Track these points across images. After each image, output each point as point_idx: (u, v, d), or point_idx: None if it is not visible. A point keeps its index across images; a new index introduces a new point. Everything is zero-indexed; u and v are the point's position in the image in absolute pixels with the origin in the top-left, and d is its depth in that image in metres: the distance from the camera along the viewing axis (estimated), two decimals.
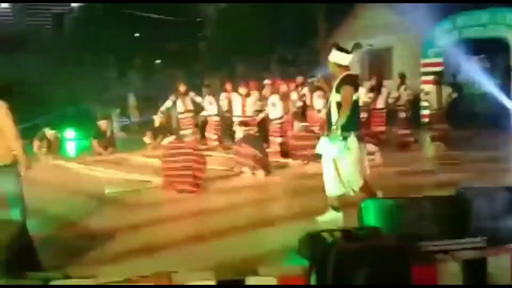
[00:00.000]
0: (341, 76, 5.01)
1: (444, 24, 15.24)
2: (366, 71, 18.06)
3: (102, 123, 11.86)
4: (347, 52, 4.99)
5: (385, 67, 17.53)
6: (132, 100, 19.07)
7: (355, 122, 4.98)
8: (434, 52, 15.36)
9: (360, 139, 5.08)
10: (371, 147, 9.08)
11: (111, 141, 11.94)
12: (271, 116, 10.50)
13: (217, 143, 11.76)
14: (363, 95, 10.39)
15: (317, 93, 10.58)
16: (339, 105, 4.95)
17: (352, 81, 4.97)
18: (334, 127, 4.90)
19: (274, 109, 10.46)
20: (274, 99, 10.52)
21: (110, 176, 8.52)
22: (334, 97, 5.04)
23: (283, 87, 11.29)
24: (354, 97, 4.93)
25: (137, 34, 24.06)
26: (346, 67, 5.01)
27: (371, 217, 3.85)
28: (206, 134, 12.04)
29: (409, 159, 9.45)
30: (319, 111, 10.38)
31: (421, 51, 15.65)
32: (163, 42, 22.59)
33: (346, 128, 4.89)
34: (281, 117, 10.52)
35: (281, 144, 10.21)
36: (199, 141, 11.38)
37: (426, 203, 3.89)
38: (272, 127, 10.49)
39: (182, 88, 11.46)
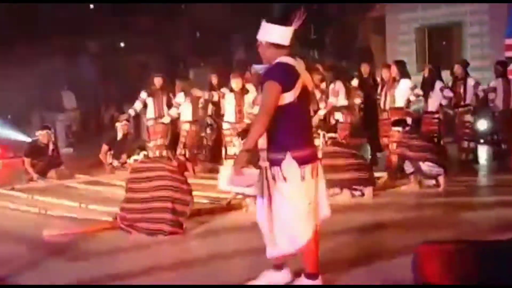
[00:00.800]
0: (271, 66, 4.66)
1: None
2: (425, 57, 18.14)
3: (41, 135, 11.94)
4: (285, 23, 4.64)
5: (452, 51, 17.60)
6: (69, 98, 19.20)
7: (293, 138, 4.59)
8: None
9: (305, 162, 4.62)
10: (431, 167, 9.13)
11: (53, 161, 12.01)
12: None
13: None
14: (405, 91, 10.40)
15: None
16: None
17: (283, 73, 4.56)
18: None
19: None
20: None
21: (49, 212, 8.58)
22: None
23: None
24: (288, 99, 4.52)
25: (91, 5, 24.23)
26: (285, 49, 4.66)
27: (432, 269, 3.90)
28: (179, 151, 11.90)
29: (487, 184, 9.53)
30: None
31: (506, 28, 15.68)
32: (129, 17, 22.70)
33: (277, 146, 4.58)
34: None
35: None
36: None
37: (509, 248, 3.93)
38: None
39: (157, 82, 11.50)
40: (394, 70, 10.56)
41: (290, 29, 4.61)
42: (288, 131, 4.55)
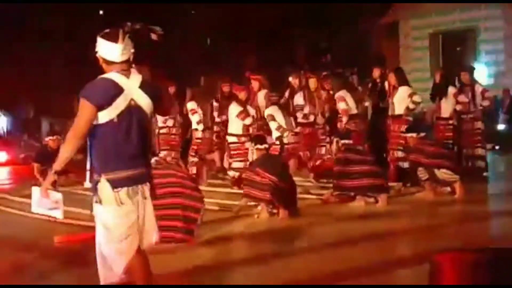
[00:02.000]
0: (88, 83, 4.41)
1: None
2: (439, 62, 18.12)
3: (51, 140, 11.95)
4: (115, 40, 4.39)
5: (465, 57, 17.56)
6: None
7: (108, 158, 4.35)
8: None
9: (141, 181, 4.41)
10: (445, 175, 9.04)
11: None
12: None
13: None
14: (404, 98, 10.35)
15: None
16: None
17: (97, 90, 4.32)
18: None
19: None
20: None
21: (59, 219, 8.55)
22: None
23: (311, 82, 11.38)
24: (105, 118, 4.25)
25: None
26: (115, 65, 4.39)
27: (451, 277, 3.84)
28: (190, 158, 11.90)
29: (502, 192, 9.47)
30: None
31: None
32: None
33: (95, 166, 4.38)
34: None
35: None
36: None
37: None
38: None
39: (171, 89, 11.59)
40: (393, 78, 10.59)
41: (119, 46, 4.37)
42: (104, 152, 4.33)
